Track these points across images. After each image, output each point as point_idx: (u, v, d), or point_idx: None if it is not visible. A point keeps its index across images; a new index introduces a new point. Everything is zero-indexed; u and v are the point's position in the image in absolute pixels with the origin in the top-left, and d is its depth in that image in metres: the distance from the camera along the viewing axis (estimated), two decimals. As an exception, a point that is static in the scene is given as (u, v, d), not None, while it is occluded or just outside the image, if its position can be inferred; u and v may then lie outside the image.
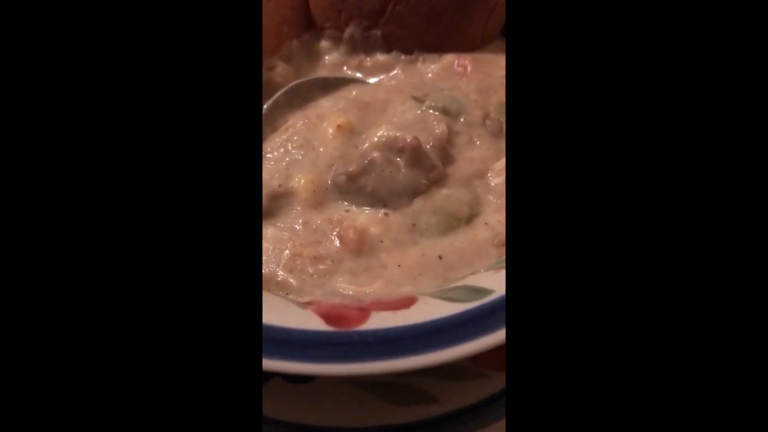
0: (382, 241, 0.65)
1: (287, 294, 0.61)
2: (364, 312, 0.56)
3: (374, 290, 0.61)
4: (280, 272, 0.62)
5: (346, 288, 0.61)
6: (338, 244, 0.65)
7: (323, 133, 0.74)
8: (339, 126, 0.74)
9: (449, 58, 0.84)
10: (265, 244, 0.64)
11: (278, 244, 0.65)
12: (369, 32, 0.86)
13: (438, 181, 0.70)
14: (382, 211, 0.68)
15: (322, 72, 0.87)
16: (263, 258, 0.63)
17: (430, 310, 0.55)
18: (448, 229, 0.66)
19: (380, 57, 0.87)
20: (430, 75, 0.83)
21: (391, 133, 0.71)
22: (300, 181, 0.70)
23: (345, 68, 0.88)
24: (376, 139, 0.71)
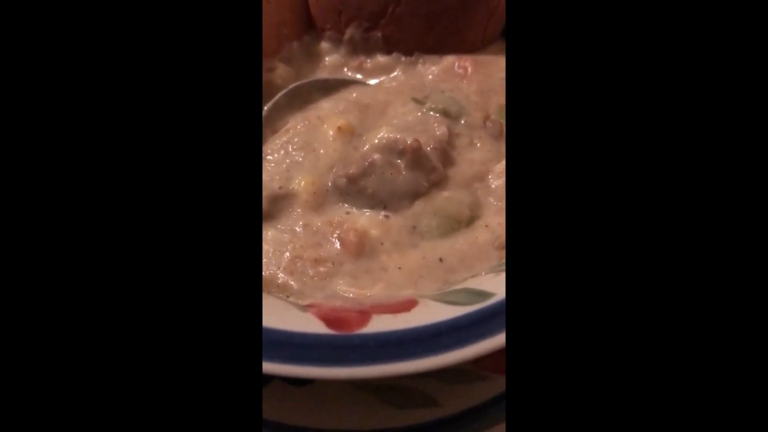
0: (382, 244, 0.65)
1: (288, 296, 0.61)
2: (364, 315, 0.55)
3: (375, 293, 0.61)
4: (281, 274, 0.62)
5: (346, 290, 0.61)
6: (339, 247, 0.65)
7: (323, 135, 0.74)
8: (339, 128, 0.74)
9: (449, 60, 0.84)
10: (265, 246, 0.64)
11: (279, 246, 0.65)
12: (369, 34, 0.86)
13: (438, 183, 0.70)
14: (383, 213, 0.68)
15: (323, 73, 0.87)
16: (264, 260, 0.63)
17: (430, 313, 0.55)
18: (449, 231, 0.66)
19: (380, 58, 0.87)
20: (430, 76, 0.83)
21: (391, 135, 0.71)
22: (300, 183, 0.70)
23: (345, 69, 0.88)
24: (376, 141, 0.71)
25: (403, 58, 0.86)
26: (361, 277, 0.62)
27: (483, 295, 0.56)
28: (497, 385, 0.64)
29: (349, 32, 0.87)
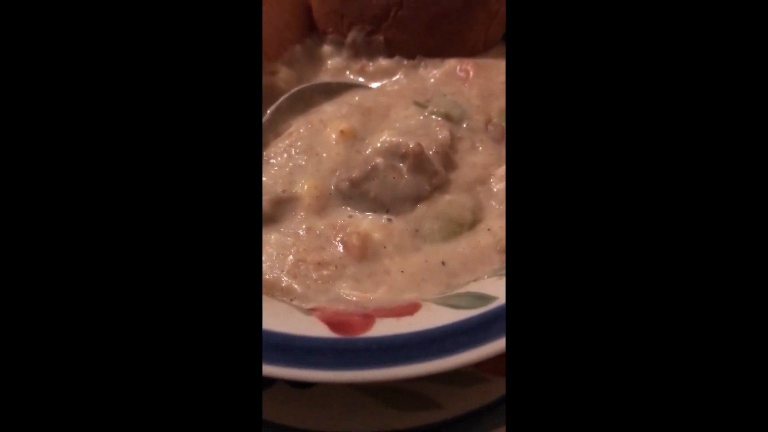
0: (385, 247, 0.65)
1: (291, 300, 0.61)
2: (368, 319, 0.56)
3: (378, 296, 0.61)
4: (285, 278, 0.63)
5: (349, 294, 0.61)
6: (342, 250, 0.65)
7: (326, 139, 0.75)
8: (342, 131, 0.74)
9: (451, 63, 0.84)
10: (269, 250, 0.65)
11: (282, 249, 0.65)
12: (371, 37, 0.87)
13: (441, 186, 0.70)
14: (385, 216, 0.68)
15: (325, 77, 0.87)
16: (267, 264, 0.63)
17: (433, 317, 0.55)
18: (451, 235, 0.66)
19: (383, 62, 0.87)
20: (432, 80, 0.83)
21: (393, 139, 0.71)
22: (303, 187, 0.70)
23: (347, 73, 0.88)
24: (378, 144, 0.72)
25: (405, 62, 0.86)
26: (364, 281, 0.63)
27: (485, 298, 0.56)
28: (499, 387, 0.64)
29: (351, 36, 0.87)
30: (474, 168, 0.73)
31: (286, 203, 0.69)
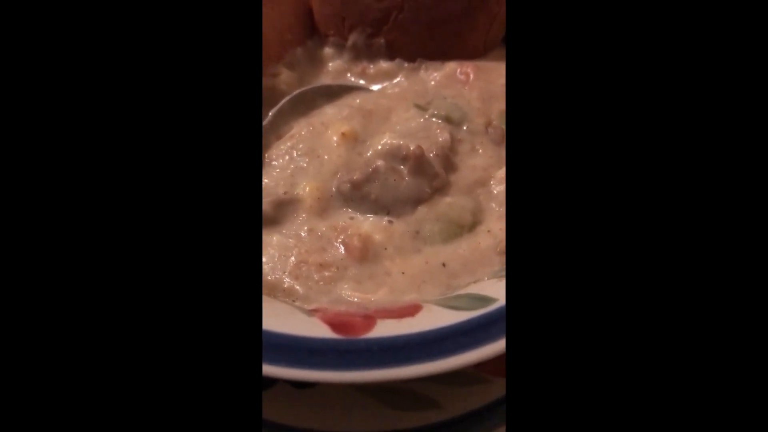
0: (386, 249, 0.66)
1: (293, 301, 0.62)
2: (369, 320, 0.56)
3: (379, 297, 0.62)
4: (287, 279, 0.63)
5: (351, 295, 0.62)
6: (343, 252, 0.65)
7: (327, 141, 0.75)
8: (343, 134, 0.75)
9: (452, 66, 0.84)
10: (271, 251, 0.65)
11: (284, 251, 0.65)
12: (372, 40, 0.87)
13: (441, 189, 0.71)
14: (386, 218, 0.69)
15: (326, 79, 0.88)
16: (269, 265, 0.64)
17: (434, 318, 0.56)
18: (452, 236, 0.67)
19: (383, 64, 0.87)
20: (432, 82, 0.84)
21: (394, 141, 0.72)
22: (305, 189, 0.70)
23: (348, 75, 0.88)
24: (379, 147, 0.72)
25: (405, 64, 0.86)
26: (365, 282, 0.63)
27: (486, 300, 0.57)
28: (498, 388, 0.65)
29: (352, 38, 0.87)
30: (474, 170, 0.73)
31: (287, 205, 0.69)
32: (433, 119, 0.77)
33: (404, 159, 0.70)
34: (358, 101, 0.81)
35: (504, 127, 0.77)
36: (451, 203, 0.70)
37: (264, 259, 0.64)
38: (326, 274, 0.64)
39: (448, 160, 0.73)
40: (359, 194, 0.69)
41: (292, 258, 0.65)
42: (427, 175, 0.70)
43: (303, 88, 0.83)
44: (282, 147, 0.76)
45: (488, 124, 0.77)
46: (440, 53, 0.86)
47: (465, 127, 0.77)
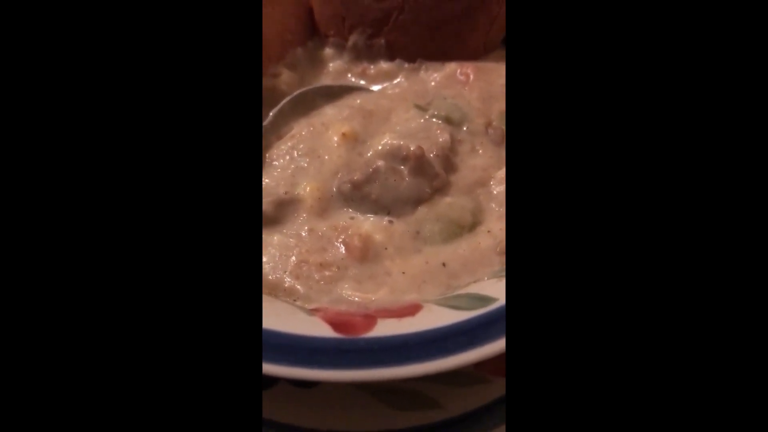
0: (386, 249, 0.66)
1: (294, 300, 0.62)
2: (370, 319, 0.56)
3: (379, 297, 0.62)
4: (287, 279, 0.63)
5: (351, 295, 0.62)
6: (343, 251, 0.66)
7: (328, 141, 0.75)
8: (343, 134, 0.75)
9: (452, 67, 0.85)
10: (271, 251, 0.65)
11: (285, 250, 0.66)
12: (372, 40, 0.87)
13: (441, 189, 0.71)
14: (386, 218, 0.69)
15: (326, 79, 0.88)
16: (270, 265, 0.64)
17: (434, 317, 0.56)
18: (452, 236, 0.67)
19: (383, 65, 0.87)
20: (432, 83, 0.84)
21: (394, 142, 0.72)
22: (305, 189, 0.70)
23: (349, 75, 0.88)
24: (380, 147, 0.72)
25: (405, 65, 0.87)
26: (366, 282, 0.63)
27: (486, 299, 0.57)
28: (498, 388, 0.65)
29: (352, 39, 0.88)
30: (474, 170, 0.73)
31: (288, 205, 0.70)
32: (434, 120, 0.78)
33: (404, 159, 0.71)
34: (358, 101, 0.82)
35: (504, 127, 0.77)
36: (451, 203, 0.70)
37: (265, 259, 0.65)
38: (327, 273, 0.64)
39: (448, 160, 0.73)
40: (360, 194, 0.69)
41: (293, 258, 0.65)
42: (428, 176, 0.70)
43: (303, 89, 0.83)
44: (282, 147, 0.76)
45: (488, 125, 0.77)
46: (440, 54, 0.86)
47: (465, 128, 0.77)
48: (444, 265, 0.65)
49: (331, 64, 0.89)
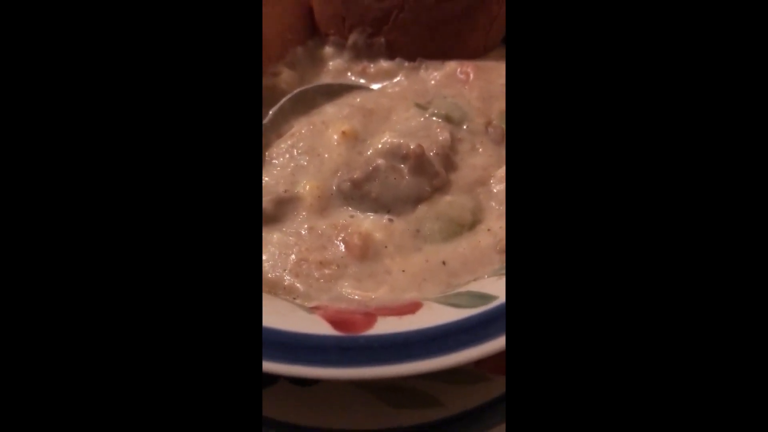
0: (386, 247, 0.66)
1: (294, 298, 0.62)
2: (370, 317, 0.56)
3: (379, 295, 0.62)
4: (287, 277, 0.63)
5: (351, 293, 0.62)
6: (343, 250, 0.66)
7: (328, 140, 0.75)
8: (343, 133, 0.75)
9: (452, 66, 0.85)
10: (271, 249, 0.65)
11: (284, 249, 0.65)
12: (372, 39, 0.87)
13: (441, 187, 0.71)
14: (386, 217, 0.69)
15: (326, 78, 0.88)
16: (270, 263, 0.64)
17: (434, 315, 0.56)
18: (452, 235, 0.67)
19: (384, 63, 0.87)
20: (433, 82, 0.84)
21: (394, 140, 0.72)
22: (305, 187, 0.70)
23: (349, 74, 0.88)
24: (380, 146, 0.72)
25: (406, 64, 0.86)
26: (366, 280, 0.63)
27: (486, 298, 0.57)
28: (498, 386, 0.65)
29: (352, 38, 0.87)
30: (474, 169, 0.73)
31: (288, 203, 0.70)
32: (434, 118, 0.78)
33: (404, 158, 0.71)
34: (358, 100, 0.81)
35: (504, 126, 0.77)
36: (451, 202, 0.70)
37: (264, 257, 0.65)
38: (326, 272, 0.64)
39: (448, 159, 0.73)
40: (359, 193, 0.69)
41: (293, 256, 0.65)
42: (428, 174, 0.70)
43: (303, 87, 0.83)
44: (282, 145, 0.76)
45: (488, 124, 0.77)
46: (440, 53, 0.86)
47: (465, 127, 0.77)
48: (444, 263, 0.65)
49: (331, 63, 0.89)
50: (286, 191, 0.70)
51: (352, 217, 0.69)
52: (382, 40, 0.86)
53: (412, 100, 0.81)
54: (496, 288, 0.58)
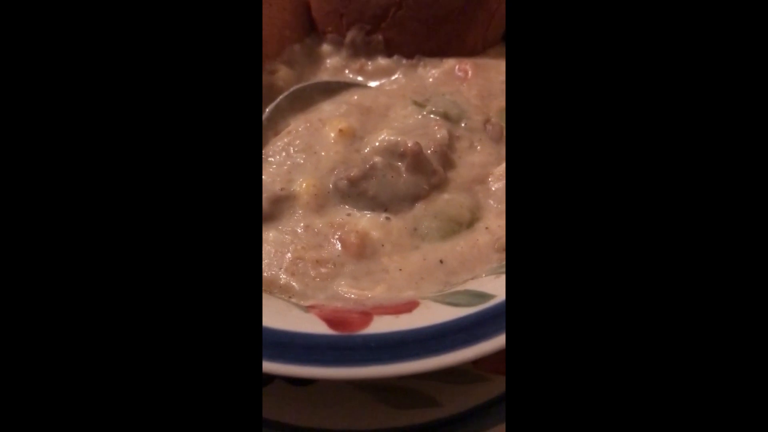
0: (383, 245, 0.65)
1: (290, 297, 0.61)
2: (366, 316, 0.56)
3: (376, 294, 0.61)
4: (283, 275, 0.63)
5: (348, 292, 0.62)
6: (340, 248, 0.65)
7: (325, 138, 0.75)
8: (340, 130, 0.74)
9: (450, 63, 0.85)
10: (267, 248, 0.65)
11: (280, 247, 0.65)
12: (370, 37, 0.87)
13: (439, 186, 0.70)
14: (384, 215, 0.68)
15: (324, 76, 0.88)
16: (266, 261, 0.64)
17: (432, 314, 0.55)
18: (449, 233, 0.67)
19: (381, 61, 0.87)
20: (431, 79, 0.84)
21: (392, 138, 0.71)
22: (302, 185, 0.70)
23: (347, 72, 0.88)
24: (377, 143, 0.72)
25: (404, 61, 0.86)
26: (363, 279, 0.63)
27: (484, 296, 0.56)
28: (496, 386, 0.65)
29: (350, 35, 0.87)
30: (472, 167, 0.73)
31: (284, 201, 0.69)
32: (431, 116, 0.77)
33: (402, 156, 0.70)
34: (355, 98, 0.81)
35: (502, 124, 0.77)
36: (449, 200, 0.69)
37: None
38: (323, 270, 0.63)
39: (446, 157, 0.73)
40: (356, 191, 0.69)
41: (289, 254, 0.64)
42: (425, 172, 0.70)
43: (300, 85, 0.83)
44: (279, 143, 0.75)
45: (486, 121, 0.77)
46: (439, 50, 0.86)
47: (463, 124, 0.77)
48: (441, 262, 0.64)
49: (328, 61, 0.89)
50: (282, 189, 0.70)
51: (348, 215, 0.68)
52: (380, 37, 0.86)
53: (409, 97, 0.80)
54: (494, 287, 0.58)
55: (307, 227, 0.67)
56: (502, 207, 0.68)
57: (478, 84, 0.82)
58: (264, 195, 0.68)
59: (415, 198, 0.69)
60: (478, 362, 0.53)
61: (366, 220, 0.68)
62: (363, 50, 0.87)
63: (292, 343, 0.52)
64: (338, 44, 0.89)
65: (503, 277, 0.59)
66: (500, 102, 0.79)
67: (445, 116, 0.77)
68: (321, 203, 0.69)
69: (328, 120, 0.77)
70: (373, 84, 0.86)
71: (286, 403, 0.63)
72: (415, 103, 0.79)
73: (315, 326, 0.55)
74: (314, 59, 0.89)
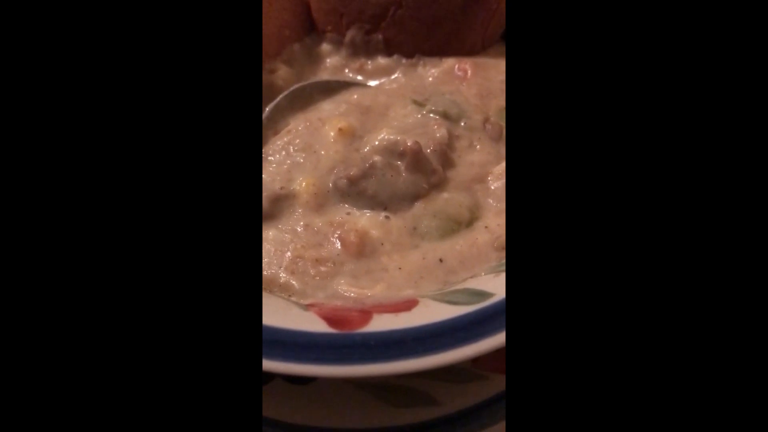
0: (383, 244, 0.66)
1: (289, 296, 0.61)
2: (366, 314, 0.56)
3: (375, 293, 0.61)
4: (282, 274, 0.63)
5: (347, 290, 0.62)
6: (339, 247, 0.65)
7: (324, 137, 0.75)
8: (340, 129, 0.74)
9: (450, 62, 0.85)
10: (267, 246, 0.65)
11: (280, 246, 0.65)
12: (370, 36, 0.87)
13: (438, 185, 0.70)
14: (383, 214, 0.68)
15: (324, 75, 0.88)
16: (266, 260, 0.64)
17: (431, 312, 0.55)
18: (449, 232, 0.67)
19: (381, 60, 0.87)
20: (430, 79, 0.84)
21: (391, 137, 0.71)
22: (301, 184, 0.70)
23: (346, 71, 0.88)
24: (377, 142, 0.72)
25: (403, 60, 0.86)
26: (362, 277, 0.63)
27: (483, 295, 0.56)
28: (495, 384, 0.65)
29: (350, 34, 0.87)
30: (472, 166, 0.73)
31: (284, 200, 0.69)
32: (431, 115, 0.77)
33: (401, 155, 0.70)
34: (355, 97, 0.81)
35: (502, 123, 0.77)
36: (448, 199, 0.70)
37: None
38: (322, 269, 0.63)
39: (446, 156, 0.73)
40: (356, 190, 0.69)
41: (288, 253, 0.64)
42: (425, 171, 0.70)
43: (300, 84, 0.83)
44: (279, 143, 0.75)
45: (486, 121, 0.77)
46: (438, 49, 0.86)
47: (463, 124, 0.77)
48: (441, 260, 0.64)
49: (328, 60, 0.89)
50: (282, 188, 0.70)
51: (348, 214, 0.69)
52: (380, 36, 0.86)
53: (409, 97, 0.80)
54: (493, 285, 0.58)
55: (306, 226, 0.67)
56: (502, 206, 0.68)
57: (477, 83, 0.82)
58: (264, 194, 0.68)
59: (414, 197, 0.69)
60: (477, 361, 0.53)
61: (365, 219, 0.68)
62: (362, 49, 0.88)
63: (292, 342, 0.52)
64: (338, 43, 0.89)
65: (502, 276, 0.59)
66: (500, 101, 0.79)
67: (445, 115, 0.77)
68: (321, 202, 0.69)
69: (328, 119, 0.77)
70: (372, 83, 0.86)
71: (285, 402, 0.63)
72: (415, 102, 0.79)
73: (314, 325, 0.55)
74: (314, 58, 0.89)
